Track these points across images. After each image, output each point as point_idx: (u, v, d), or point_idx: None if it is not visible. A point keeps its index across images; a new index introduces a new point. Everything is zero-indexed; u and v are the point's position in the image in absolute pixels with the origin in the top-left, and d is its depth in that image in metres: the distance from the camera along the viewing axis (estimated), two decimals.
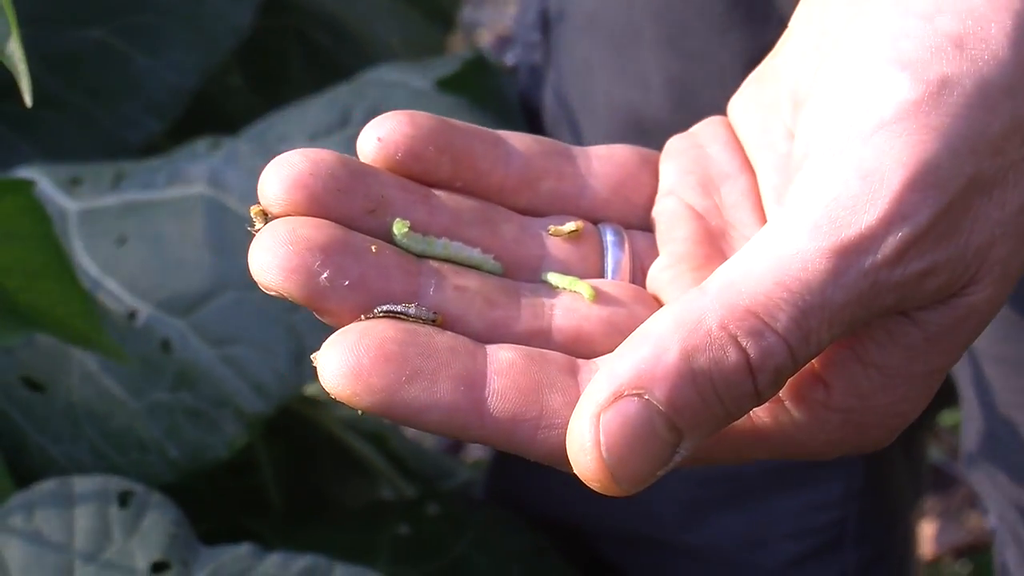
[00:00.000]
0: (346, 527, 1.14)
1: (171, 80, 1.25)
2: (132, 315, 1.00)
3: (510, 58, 1.21)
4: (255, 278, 0.51)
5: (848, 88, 0.50)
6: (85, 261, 1.01)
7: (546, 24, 1.11)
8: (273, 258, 0.50)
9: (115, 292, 1.00)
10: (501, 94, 1.15)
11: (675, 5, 1.00)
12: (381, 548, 1.11)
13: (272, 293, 0.51)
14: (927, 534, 1.59)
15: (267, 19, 1.33)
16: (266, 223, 0.51)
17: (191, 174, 1.03)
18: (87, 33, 1.25)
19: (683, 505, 1.10)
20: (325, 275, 0.50)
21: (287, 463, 1.22)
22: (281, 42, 1.38)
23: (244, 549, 0.90)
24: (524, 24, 1.14)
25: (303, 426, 1.24)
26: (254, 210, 0.52)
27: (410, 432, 1.57)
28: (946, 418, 1.53)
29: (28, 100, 0.70)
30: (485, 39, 2.04)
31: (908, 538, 1.16)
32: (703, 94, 0.60)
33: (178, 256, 1.00)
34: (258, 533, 1.11)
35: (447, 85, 1.10)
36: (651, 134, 0.63)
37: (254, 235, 0.51)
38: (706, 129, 0.61)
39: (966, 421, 0.95)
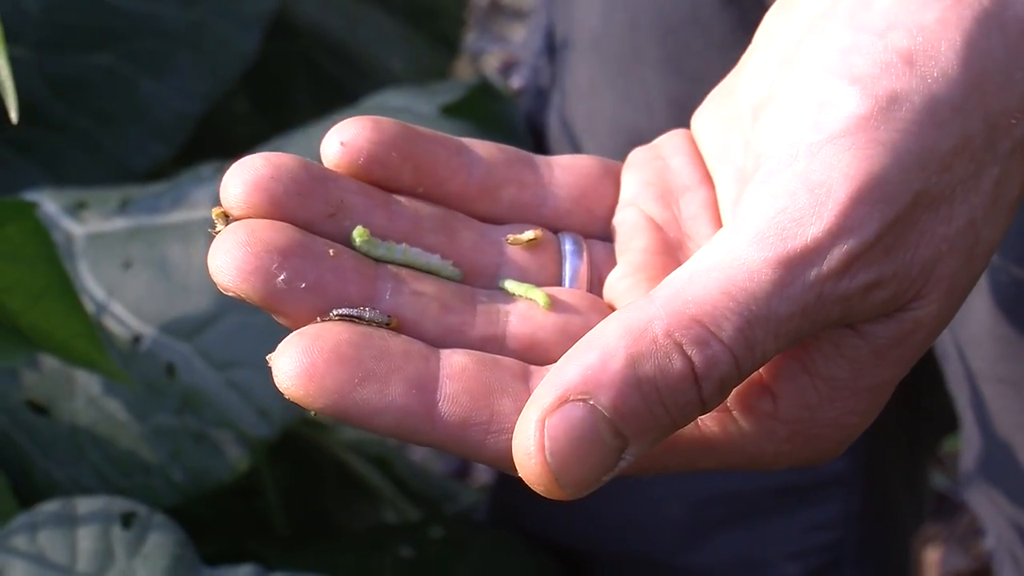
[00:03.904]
0: (349, 549, 1.14)
1: (177, 105, 1.26)
2: (137, 339, 1.00)
3: (516, 81, 1.22)
4: (213, 279, 0.51)
5: (798, 101, 0.51)
6: (91, 285, 1.01)
7: (552, 47, 1.12)
8: (231, 259, 0.51)
9: (121, 316, 1.01)
10: (506, 119, 1.15)
11: (678, 26, 1.00)
12: (384, 570, 1.11)
13: (230, 294, 0.51)
14: (932, 560, 1.58)
15: (273, 44, 1.34)
16: (227, 225, 0.52)
17: (196, 198, 1.03)
18: (93, 58, 1.26)
19: (682, 527, 1.10)
20: (282, 277, 0.51)
21: (291, 486, 1.22)
22: (287, 67, 1.39)
23: (247, 570, 0.90)
24: (531, 47, 1.15)
25: (308, 449, 1.24)
26: (215, 212, 0.53)
27: (416, 455, 1.57)
28: (951, 444, 1.53)
29: (14, 116, 0.70)
30: (490, 65, 2.04)
31: (908, 563, 1.16)
32: None
33: (183, 280, 1.00)
34: (262, 556, 1.10)
35: (452, 111, 1.10)
36: None
37: (214, 236, 0.52)
38: (669, 141, 0.61)
39: (965, 442, 0.95)
